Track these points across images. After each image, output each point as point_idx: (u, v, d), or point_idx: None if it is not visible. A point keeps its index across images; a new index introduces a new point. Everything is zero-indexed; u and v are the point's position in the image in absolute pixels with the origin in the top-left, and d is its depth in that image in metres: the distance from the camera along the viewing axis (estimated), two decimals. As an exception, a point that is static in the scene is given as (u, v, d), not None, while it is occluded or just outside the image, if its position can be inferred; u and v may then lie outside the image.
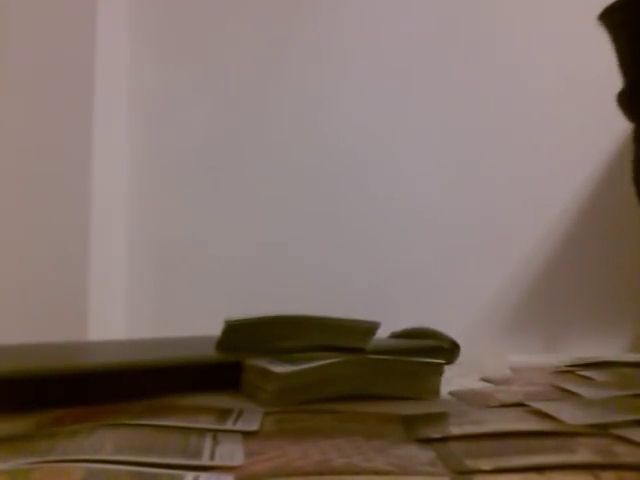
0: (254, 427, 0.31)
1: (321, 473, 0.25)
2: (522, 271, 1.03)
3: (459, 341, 0.59)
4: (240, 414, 0.34)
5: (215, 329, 0.43)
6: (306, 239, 1.03)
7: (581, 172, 1.03)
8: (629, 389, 0.42)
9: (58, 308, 0.93)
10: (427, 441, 0.29)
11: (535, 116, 1.04)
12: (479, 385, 0.47)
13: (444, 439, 0.30)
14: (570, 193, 1.03)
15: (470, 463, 0.26)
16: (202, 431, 0.30)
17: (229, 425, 0.32)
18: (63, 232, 0.95)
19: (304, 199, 1.04)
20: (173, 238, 1.05)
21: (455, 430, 0.31)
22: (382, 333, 0.48)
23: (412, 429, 0.32)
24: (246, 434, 0.30)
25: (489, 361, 0.59)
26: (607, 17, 0.45)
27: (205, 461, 0.26)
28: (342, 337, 0.44)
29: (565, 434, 0.30)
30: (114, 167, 1.03)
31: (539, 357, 0.69)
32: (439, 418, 0.35)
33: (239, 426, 0.31)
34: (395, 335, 0.61)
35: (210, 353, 0.43)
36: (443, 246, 1.03)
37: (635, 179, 0.46)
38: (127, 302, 1.03)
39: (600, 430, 0.31)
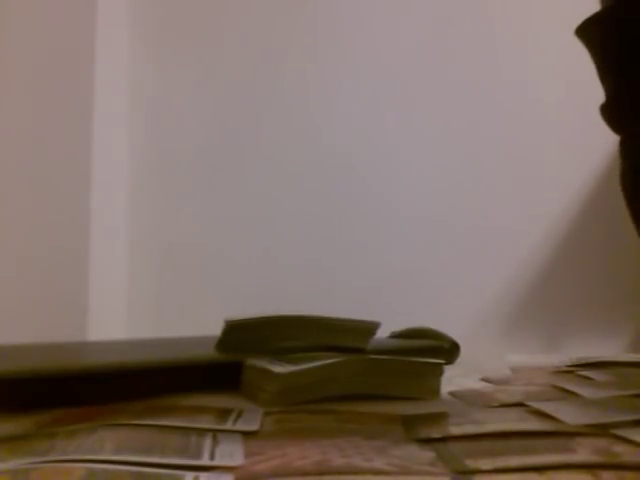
0: (254, 427, 0.31)
1: (321, 473, 0.25)
2: (522, 271, 1.03)
3: (459, 341, 0.59)
4: (240, 414, 0.34)
5: (215, 329, 0.43)
6: (307, 239, 1.03)
7: (580, 173, 1.03)
8: (629, 389, 0.42)
9: (58, 308, 0.93)
10: (427, 441, 0.29)
11: (534, 118, 1.04)
12: (479, 385, 0.47)
13: (444, 439, 0.30)
14: (570, 194, 1.03)
15: (470, 463, 0.26)
16: (202, 431, 0.30)
17: (229, 425, 0.32)
18: (63, 232, 0.95)
19: (305, 199, 1.04)
20: (173, 238, 1.05)
21: (455, 430, 0.31)
22: (382, 333, 0.48)
23: (412, 429, 0.32)
24: (246, 434, 0.30)
25: (489, 361, 0.59)
26: (584, 31, 0.45)
27: (205, 461, 0.26)
28: (342, 337, 0.44)
29: (565, 434, 0.30)
30: (114, 167, 1.03)
31: (539, 357, 0.69)
32: (439, 418, 0.35)
33: (239, 426, 0.31)
34: (395, 335, 0.61)
35: (210, 353, 0.43)
36: (443, 246, 1.03)
37: (624, 191, 0.46)
38: (127, 302, 1.03)
39: (600, 430, 0.31)
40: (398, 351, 0.45)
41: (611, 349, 0.96)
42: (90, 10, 0.97)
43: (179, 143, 1.06)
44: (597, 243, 1.02)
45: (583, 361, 0.57)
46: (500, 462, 0.26)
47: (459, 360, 0.58)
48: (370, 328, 0.45)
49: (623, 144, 0.45)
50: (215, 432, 0.30)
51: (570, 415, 0.34)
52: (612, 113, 0.45)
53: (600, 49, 0.44)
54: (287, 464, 0.26)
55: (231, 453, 0.27)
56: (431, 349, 0.53)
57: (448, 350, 0.56)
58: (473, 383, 0.47)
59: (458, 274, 1.02)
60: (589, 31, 0.44)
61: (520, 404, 0.38)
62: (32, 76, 0.98)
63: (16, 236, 0.95)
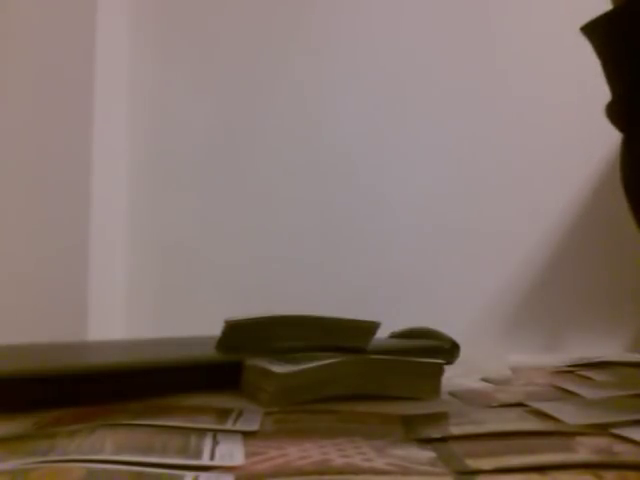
0: (254, 427, 0.31)
1: (321, 473, 0.24)
2: (522, 271, 1.03)
3: (459, 341, 0.59)
4: (240, 414, 0.34)
5: (215, 329, 0.43)
6: (307, 240, 1.03)
7: (580, 174, 1.03)
8: (629, 389, 0.42)
9: (58, 308, 0.92)
10: (427, 441, 0.29)
11: (534, 119, 1.03)
12: (479, 385, 0.47)
13: (444, 439, 0.30)
14: (570, 194, 1.03)
15: (470, 463, 0.26)
16: (202, 431, 0.30)
17: (229, 425, 0.32)
18: (63, 232, 0.95)
19: (305, 200, 1.04)
20: (173, 238, 1.05)
21: (455, 430, 0.31)
22: (382, 333, 0.48)
23: (412, 429, 0.32)
24: (246, 434, 0.30)
25: (489, 361, 0.59)
26: (591, 30, 0.44)
27: (205, 461, 0.26)
28: (342, 337, 0.44)
29: (565, 434, 0.30)
30: (114, 168, 1.03)
31: (539, 357, 0.69)
32: (439, 418, 0.35)
33: (239, 426, 0.31)
34: (395, 335, 0.61)
35: (210, 353, 0.43)
36: (443, 246, 1.03)
37: (626, 188, 0.45)
38: (127, 302, 1.03)
39: (600, 430, 0.31)
40: (398, 351, 0.45)
41: (611, 349, 0.96)
42: (90, 10, 0.97)
43: (179, 143, 1.06)
44: (597, 243, 1.02)
45: (583, 361, 0.57)
46: (501, 462, 0.26)
47: (459, 360, 0.58)
48: (370, 328, 0.45)
49: (628, 142, 0.44)
50: (215, 432, 0.30)
51: (570, 415, 0.34)
52: (618, 111, 0.44)
53: (608, 47, 0.44)
54: (287, 464, 0.26)
55: (231, 453, 0.27)
56: (431, 349, 0.53)
57: (448, 350, 0.56)
58: (473, 383, 0.47)
59: (458, 274, 1.02)
60: (597, 29, 0.44)
61: (520, 404, 0.38)
62: (32, 76, 0.97)
63: (16, 236, 0.95)
